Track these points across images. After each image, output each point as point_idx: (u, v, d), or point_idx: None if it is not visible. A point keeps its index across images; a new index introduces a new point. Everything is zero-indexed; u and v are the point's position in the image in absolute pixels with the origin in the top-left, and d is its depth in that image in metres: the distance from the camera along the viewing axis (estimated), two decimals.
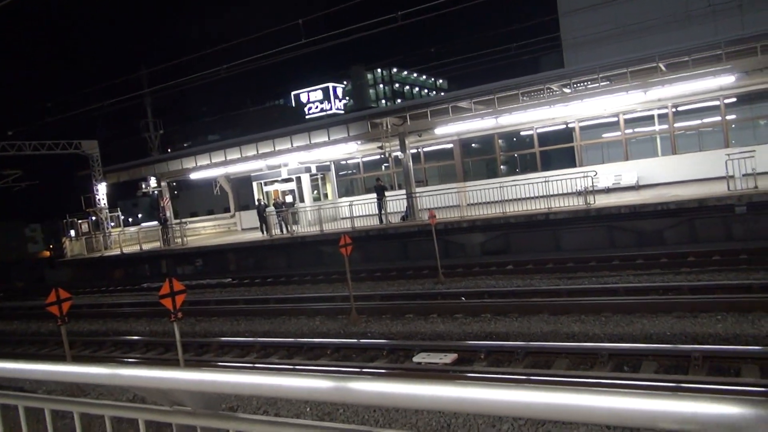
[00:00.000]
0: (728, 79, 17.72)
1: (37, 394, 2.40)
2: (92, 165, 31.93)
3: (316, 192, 28.08)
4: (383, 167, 28.47)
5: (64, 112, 31.45)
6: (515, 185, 19.31)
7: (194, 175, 30.17)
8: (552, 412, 1.20)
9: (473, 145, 26.93)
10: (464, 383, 1.39)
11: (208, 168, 28.56)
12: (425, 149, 27.42)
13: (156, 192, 30.71)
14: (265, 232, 24.92)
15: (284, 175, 27.40)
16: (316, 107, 71.34)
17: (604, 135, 23.57)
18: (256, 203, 26.92)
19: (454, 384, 1.40)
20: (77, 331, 15.67)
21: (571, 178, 18.82)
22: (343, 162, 29.61)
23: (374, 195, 22.91)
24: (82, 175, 32.64)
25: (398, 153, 22.95)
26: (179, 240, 28.26)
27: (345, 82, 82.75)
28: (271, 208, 25.49)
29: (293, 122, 38.62)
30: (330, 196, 28.74)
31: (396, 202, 22.94)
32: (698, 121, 21.83)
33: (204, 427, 1.86)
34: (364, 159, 28.69)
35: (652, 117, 22.19)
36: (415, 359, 9.37)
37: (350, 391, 1.52)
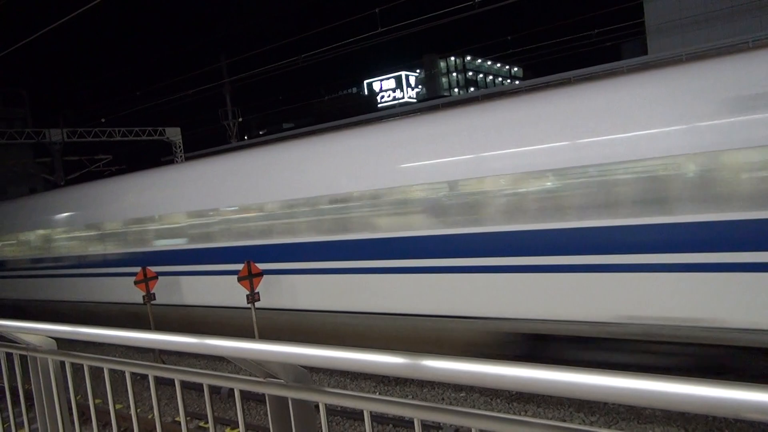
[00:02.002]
0: None
1: (143, 361, 2.62)
2: (175, 151, 33.43)
3: None
4: None
5: (150, 100, 33.16)
6: None
7: None
8: (638, 398, 1.21)
9: None
10: (539, 365, 1.40)
11: None
12: None
13: None
14: None
15: None
16: (389, 96, 71.67)
17: None
18: None
19: (528, 366, 1.41)
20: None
21: None
22: None
23: None
24: (165, 161, 34.21)
25: None
26: None
27: (418, 71, 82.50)
28: None
29: (365, 111, 38.84)
30: None
31: None
32: None
33: (294, 398, 1.99)
34: None
35: None
36: None
37: (423, 367, 1.58)
